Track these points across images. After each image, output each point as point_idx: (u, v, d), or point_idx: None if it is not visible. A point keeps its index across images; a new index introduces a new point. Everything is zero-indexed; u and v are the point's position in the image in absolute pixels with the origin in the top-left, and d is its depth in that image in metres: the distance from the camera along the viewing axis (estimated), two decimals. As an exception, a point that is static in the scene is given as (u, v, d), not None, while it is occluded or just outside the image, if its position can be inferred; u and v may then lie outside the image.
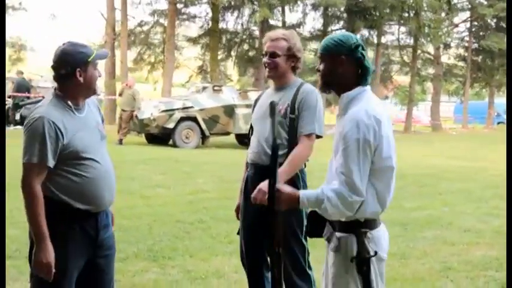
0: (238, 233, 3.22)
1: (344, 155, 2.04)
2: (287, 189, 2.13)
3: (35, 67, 29.63)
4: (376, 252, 2.09)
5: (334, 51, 2.11)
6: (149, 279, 4.09)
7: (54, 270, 2.36)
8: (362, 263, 2.07)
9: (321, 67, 2.16)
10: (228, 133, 14.99)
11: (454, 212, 6.85)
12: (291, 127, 2.99)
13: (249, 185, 3.07)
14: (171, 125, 13.88)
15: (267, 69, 3.04)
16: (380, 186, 2.08)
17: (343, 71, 2.11)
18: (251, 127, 3.18)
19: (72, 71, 2.42)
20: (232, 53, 25.68)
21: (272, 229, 2.09)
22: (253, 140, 3.10)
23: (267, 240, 2.92)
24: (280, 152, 2.95)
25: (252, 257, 3.14)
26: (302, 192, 2.11)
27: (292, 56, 2.99)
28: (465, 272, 4.44)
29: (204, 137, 14.40)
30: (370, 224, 2.11)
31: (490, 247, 5.14)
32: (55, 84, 2.52)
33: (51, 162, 2.35)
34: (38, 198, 2.33)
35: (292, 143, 2.99)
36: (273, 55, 2.98)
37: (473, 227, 5.99)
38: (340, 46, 2.10)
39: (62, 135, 2.37)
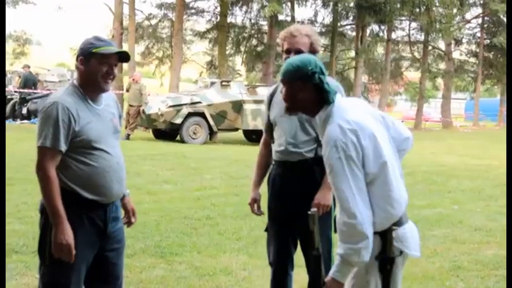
0: (265, 230, 3.20)
1: (331, 177, 2.04)
2: (328, 284, 2.08)
3: (42, 61, 29.78)
4: (401, 252, 2.07)
5: (291, 77, 2.12)
6: (157, 276, 4.08)
7: (74, 251, 2.38)
8: (386, 262, 2.05)
9: (283, 91, 2.17)
10: (236, 129, 14.95)
11: (463, 210, 6.78)
12: None
13: (278, 182, 3.06)
14: (178, 121, 13.87)
15: None
16: (379, 189, 2.05)
17: (303, 96, 2.12)
18: (269, 123, 3.14)
19: (77, 59, 2.49)
20: (241, 48, 25.62)
21: (310, 234, 2.13)
22: (278, 138, 3.07)
23: (296, 240, 3.03)
24: (309, 148, 2.96)
25: (280, 254, 3.12)
26: (332, 272, 2.06)
27: (314, 52, 2.95)
28: (476, 271, 4.40)
29: (211, 133, 14.37)
30: (395, 222, 2.08)
31: (501, 246, 5.07)
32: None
33: (63, 147, 2.39)
34: (53, 181, 2.37)
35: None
36: (298, 52, 2.92)
37: (484, 226, 5.93)
38: (297, 72, 2.11)
39: (75, 121, 2.40)
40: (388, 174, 2.06)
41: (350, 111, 2.10)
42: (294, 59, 2.18)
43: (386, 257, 2.06)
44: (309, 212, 2.16)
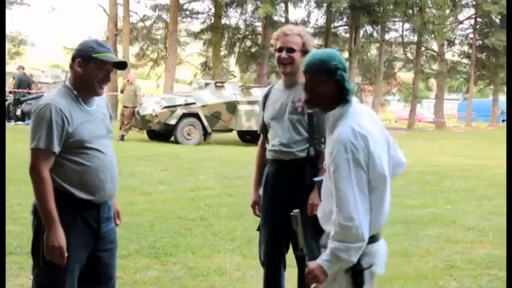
0: (258, 229, 3.21)
1: (335, 177, 2.01)
2: (313, 267, 2.06)
3: (36, 62, 29.69)
4: (371, 265, 2.06)
5: (315, 70, 2.10)
6: (151, 276, 4.08)
7: (66, 254, 2.38)
8: (357, 275, 2.05)
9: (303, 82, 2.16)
10: (230, 130, 14.95)
11: (457, 210, 6.81)
12: (310, 122, 2.99)
13: (270, 180, 3.09)
14: (173, 122, 13.86)
15: (282, 65, 3.03)
16: (375, 200, 2.05)
17: (324, 90, 2.10)
18: (264, 125, 3.17)
19: (73, 60, 2.50)
20: (235, 49, 25.63)
21: (294, 235, 2.12)
22: (272, 138, 3.11)
23: (288, 239, 3.03)
24: (301, 148, 2.99)
25: (272, 253, 3.14)
26: (321, 261, 2.05)
27: (306, 52, 2.97)
28: (468, 271, 4.42)
29: (206, 134, 14.37)
30: (372, 236, 2.07)
31: (494, 245, 5.11)
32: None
33: (56, 149, 2.40)
34: (46, 182, 2.37)
35: (313, 137, 2.99)
36: (290, 50, 2.97)
37: (477, 226, 5.96)
38: (321, 66, 2.09)
39: (68, 122, 2.41)
40: (386, 188, 2.07)
41: (363, 117, 2.09)
42: (319, 52, 2.16)
43: (359, 270, 2.05)
44: (291, 213, 2.16)
